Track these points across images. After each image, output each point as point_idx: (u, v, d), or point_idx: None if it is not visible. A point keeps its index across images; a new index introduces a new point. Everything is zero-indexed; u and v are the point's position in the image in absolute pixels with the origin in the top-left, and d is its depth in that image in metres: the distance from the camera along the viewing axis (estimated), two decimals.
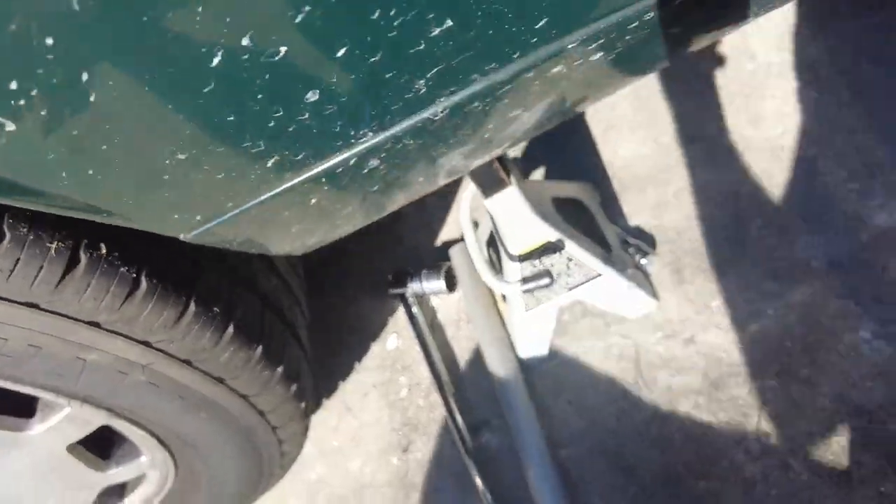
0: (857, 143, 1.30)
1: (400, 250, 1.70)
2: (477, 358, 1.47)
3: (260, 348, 0.90)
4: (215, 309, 0.81)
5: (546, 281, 1.11)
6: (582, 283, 1.27)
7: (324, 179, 0.56)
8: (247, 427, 0.99)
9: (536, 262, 1.24)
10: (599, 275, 1.26)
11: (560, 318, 1.43)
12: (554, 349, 1.39)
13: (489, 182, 1.05)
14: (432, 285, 1.53)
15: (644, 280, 1.35)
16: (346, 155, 0.54)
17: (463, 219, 1.19)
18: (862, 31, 1.39)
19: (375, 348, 1.60)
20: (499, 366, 1.37)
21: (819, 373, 1.16)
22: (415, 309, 1.55)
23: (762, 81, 1.46)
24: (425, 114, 0.52)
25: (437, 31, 0.41)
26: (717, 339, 1.26)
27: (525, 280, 1.12)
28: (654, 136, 1.50)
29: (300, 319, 1.10)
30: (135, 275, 0.72)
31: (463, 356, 1.49)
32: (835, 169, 1.30)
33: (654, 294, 1.35)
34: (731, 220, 1.35)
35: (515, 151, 1.68)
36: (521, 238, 1.20)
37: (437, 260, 1.61)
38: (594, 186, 1.49)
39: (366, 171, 0.58)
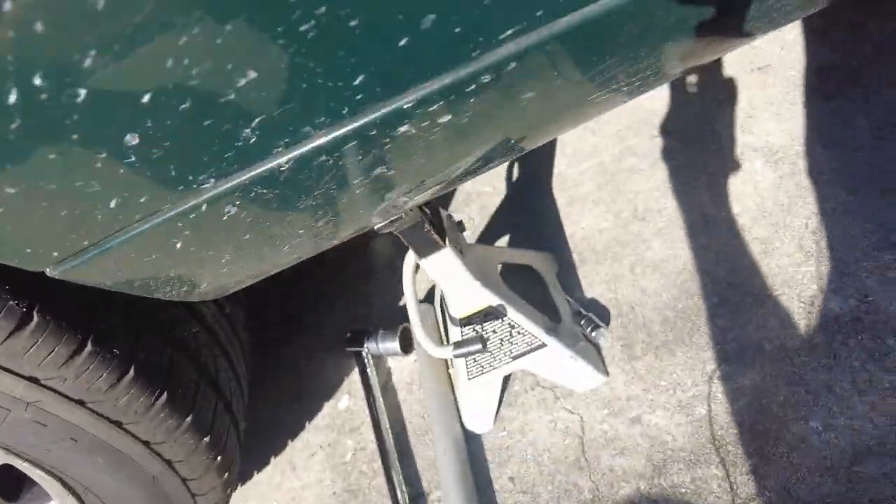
0: (812, 225, 1.28)
1: (366, 308, 1.70)
2: (425, 425, 1.43)
3: (165, 395, 0.89)
4: (115, 350, 0.82)
5: (478, 346, 1.08)
6: (526, 353, 1.24)
7: (180, 224, 0.58)
8: (152, 477, 0.97)
9: (478, 327, 1.23)
10: (544, 345, 1.23)
11: (511, 387, 1.39)
12: (501, 420, 1.35)
13: (422, 243, 1.06)
14: (387, 346, 1.52)
15: (594, 354, 1.32)
16: (195, 200, 0.55)
17: (405, 278, 1.19)
18: (820, 116, 1.40)
19: (327, 407, 1.57)
20: (442, 435, 1.33)
21: (765, 463, 1.10)
22: (370, 369, 1.53)
23: (725, 161, 1.46)
24: (268, 164, 0.53)
25: (242, 82, 0.43)
26: (663, 421, 1.20)
27: (457, 345, 1.10)
28: (616, 210, 1.51)
29: (225, 372, 1.09)
30: (25, 309, 0.73)
31: (412, 422, 1.45)
32: (790, 251, 1.28)
33: (603, 368, 1.31)
34: (685, 297, 1.32)
35: (471, 214, 1.69)
36: (461, 301, 1.19)
37: (402, 320, 1.60)
38: (553, 256, 1.49)
39: (225, 217, 0.59)
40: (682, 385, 1.23)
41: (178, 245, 0.61)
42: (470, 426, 1.35)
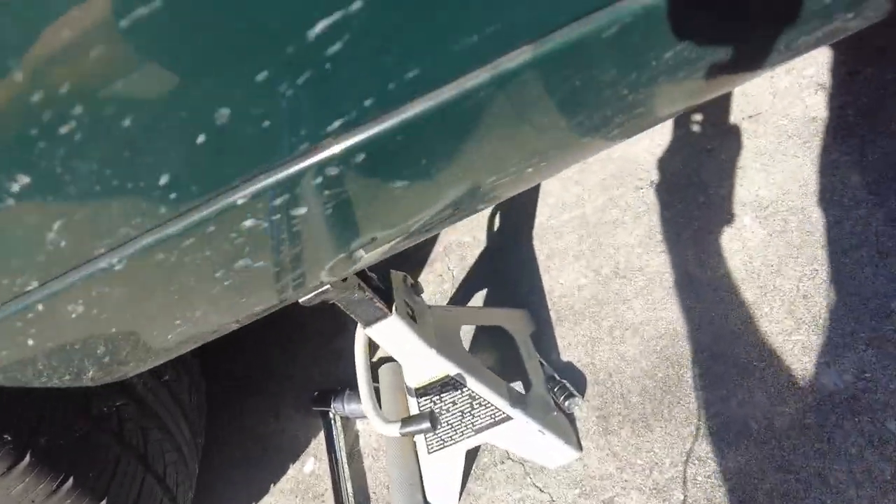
0: (804, 289, 1.18)
1: (336, 365, 1.62)
2: (390, 496, 1.33)
3: (71, 480, 0.83)
4: (6, 437, 0.76)
5: (426, 425, 0.99)
6: (490, 426, 1.15)
7: (19, 324, 0.52)
8: None
9: (436, 397, 1.14)
10: (509, 417, 1.14)
11: (479, 459, 1.29)
12: (468, 494, 1.25)
13: (365, 312, 0.99)
14: (354, 408, 1.44)
15: (567, 426, 1.22)
16: (24, 301, 0.49)
17: (357, 345, 1.12)
18: (814, 169, 1.30)
19: (293, 470, 1.49)
20: None
21: None
22: (335, 433, 1.45)
23: (712, 215, 1.37)
24: (97, 265, 0.47)
25: (16, 188, 0.37)
26: None
27: (405, 422, 1.01)
28: (596, 266, 1.42)
29: (157, 444, 1.02)
30: None
31: (376, 492, 1.36)
32: (780, 317, 1.17)
33: (576, 442, 1.20)
34: (665, 365, 1.22)
35: (450, 265, 1.61)
36: (415, 371, 1.11)
37: (374, 379, 1.52)
38: (527, 315, 1.40)
39: (74, 315, 0.53)
40: (660, 465, 1.12)
41: (31, 342, 0.55)
42: (433, 502, 1.25)
